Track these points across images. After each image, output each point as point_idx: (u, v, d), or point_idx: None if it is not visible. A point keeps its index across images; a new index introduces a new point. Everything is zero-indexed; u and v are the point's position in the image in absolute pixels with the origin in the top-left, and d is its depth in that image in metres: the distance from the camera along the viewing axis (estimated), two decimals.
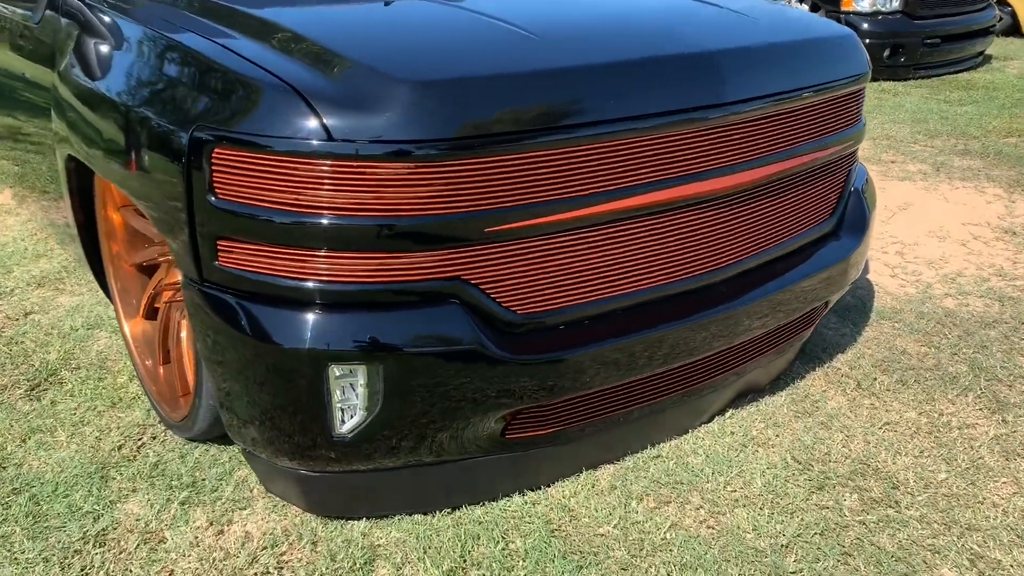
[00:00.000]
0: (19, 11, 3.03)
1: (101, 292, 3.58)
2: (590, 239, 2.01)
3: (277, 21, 2.12)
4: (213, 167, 1.84)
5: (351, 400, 1.91)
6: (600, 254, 2.03)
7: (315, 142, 1.74)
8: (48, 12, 2.77)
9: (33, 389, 2.83)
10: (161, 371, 2.66)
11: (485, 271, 1.91)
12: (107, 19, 2.43)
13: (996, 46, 9.14)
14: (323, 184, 1.77)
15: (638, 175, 2.01)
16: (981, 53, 8.37)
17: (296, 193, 1.78)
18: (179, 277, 2.52)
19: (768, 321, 2.37)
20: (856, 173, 2.77)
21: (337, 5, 2.43)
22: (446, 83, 1.81)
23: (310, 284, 1.84)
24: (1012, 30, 9.72)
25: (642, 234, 2.08)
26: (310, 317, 1.85)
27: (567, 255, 1.99)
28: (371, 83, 1.80)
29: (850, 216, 2.70)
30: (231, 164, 1.82)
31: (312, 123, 1.75)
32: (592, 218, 1.97)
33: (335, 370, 1.87)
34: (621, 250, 2.06)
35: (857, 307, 3.33)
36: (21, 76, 2.96)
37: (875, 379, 2.80)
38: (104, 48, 2.35)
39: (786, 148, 2.33)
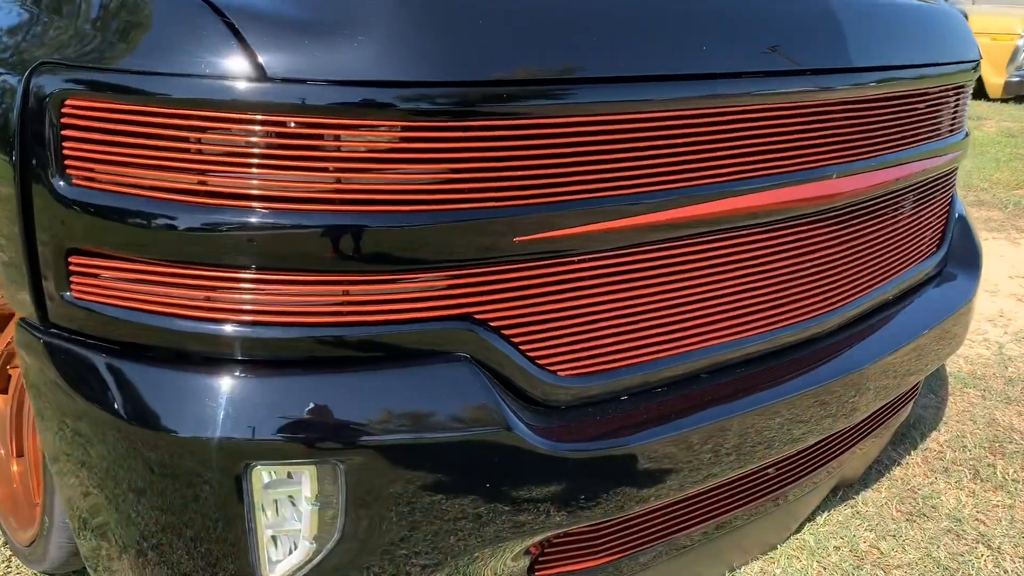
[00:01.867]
0: None
1: None
2: (668, 260, 1.30)
3: None
4: (64, 130, 1.09)
5: (290, 524, 1.14)
6: (678, 285, 1.33)
7: (238, 84, 1.02)
8: None
9: None
10: (15, 467, 1.85)
11: (511, 307, 1.19)
12: None
13: None
14: (249, 155, 1.04)
15: (742, 164, 1.33)
16: None
17: (204, 171, 1.05)
18: None
19: (884, 389, 1.68)
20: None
21: None
22: None
23: (227, 328, 1.09)
24: (978, 93, 9.55)
25: (741, 254, 1.38)
26: (225, 383, 1.09)
27: (632, 285, 1.28)
28: None
29: (959, 248, 2.06)
30: (95, 125, 1.08)
31: (233, 53, 1.03)
32: (678, 226, 1.27)
33: (263, 474, 1.11)
34: (708, 280, 1.36)
35: (931, 373, 2.67)
36: None
37: (992, 466, 2.12)
38: None
39: (910, 145, 1.68)
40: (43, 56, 1.11)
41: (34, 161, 1.12)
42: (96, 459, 1.17)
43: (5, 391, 1.91)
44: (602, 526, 1.38)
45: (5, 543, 1.78)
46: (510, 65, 1.11)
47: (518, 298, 1.19)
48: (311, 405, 1.10)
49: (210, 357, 1.11)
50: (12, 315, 1.85)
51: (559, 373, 1.25)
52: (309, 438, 1.10)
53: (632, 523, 1.42)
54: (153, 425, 1.10)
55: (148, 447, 1.11)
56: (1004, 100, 9.16)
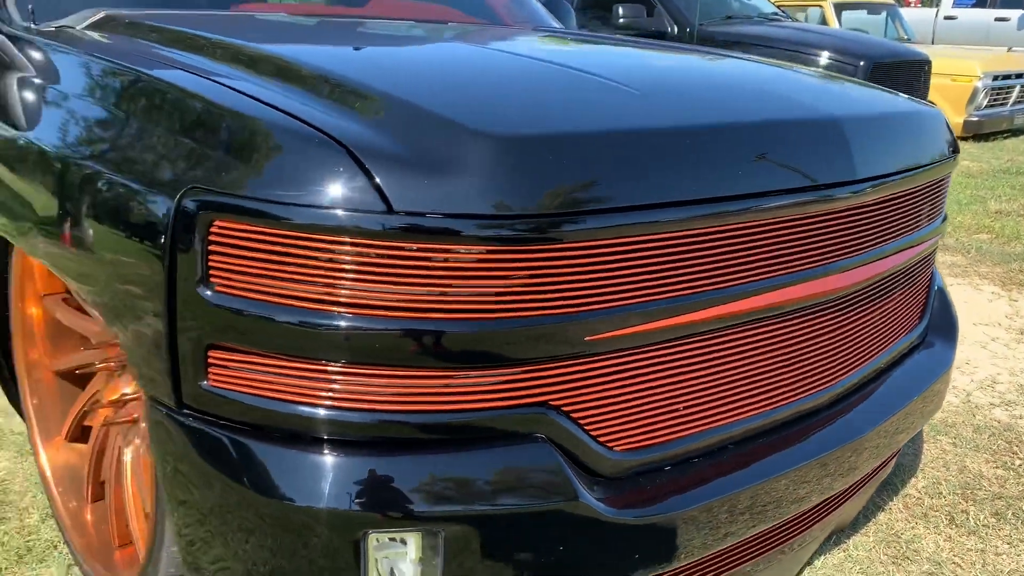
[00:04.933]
0: None
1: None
2: (707, 349, 1.52)
3: (297, 60, 1.60)
4: (211, 247, 1.29)
5: None
6: (714, 369, 1.55)
7: (369, 215, 1.23)
8: None
9: None
10: (89, 515, 2.02)
11: (579, 393, 1.40)
12: (38, 54, 1.87)
13: None
14: (371, 272, 1.24)
15: (768, 266, 1.56)
16: None
17: (331, 284, 1.25)
18: (121, 392, 1.93)
19: (882, 449, 1.92)
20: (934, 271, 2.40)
21: (358, 44, 1.93)
22: (548, 140, 1.33)
23: (347, 415, 1.29)
24: None
25: (766, 339, 1.61)
26: (346, 462, 1.29)
27: (675, 371, 1.50)
28: (445, 138, 1.30)
29: (937, 319, 2.31)
30: (238, 243, 1.27)
31: (365, 189, 1.23)
32: (716, 320, 1.49)
33: (376, 539, 1.31)
34: (735, 364, 1.58)
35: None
36: None
37: (966, 512, 2.37)
38: (35, 90, 1.78)
39: (901, 237, 1.92)
40: (193, 181, 1.31)
41: (182, 269, 1.31)
42: (223, 523, 1.36)
43: (82, 441, 2.08)
44: None
45: None
46: (582, 200, 1.33)
47: (585, 385, 1.40)
48: (419, 482, 1.31)
49: (331, 440, 1.31)
50: (94, 375, 2.03)
51: (615, 448, 1.46)
52: (417, 510, 1.30)
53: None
54: (280, 497, 1.30)
55: (275, 517, 1.30)
56: (963, 138, 9.58)
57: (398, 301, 1.26)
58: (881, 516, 2.33)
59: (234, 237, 1.28)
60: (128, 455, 1.89)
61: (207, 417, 1.36)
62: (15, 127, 1.75)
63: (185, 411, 1.38)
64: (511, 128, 1.32)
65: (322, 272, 1.25)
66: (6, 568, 2.00)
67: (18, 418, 2.68)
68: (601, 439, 1.44)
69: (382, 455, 1.30)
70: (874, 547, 2.19)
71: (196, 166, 1.33)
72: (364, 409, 1.30)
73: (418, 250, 1.24)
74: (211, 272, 1.30)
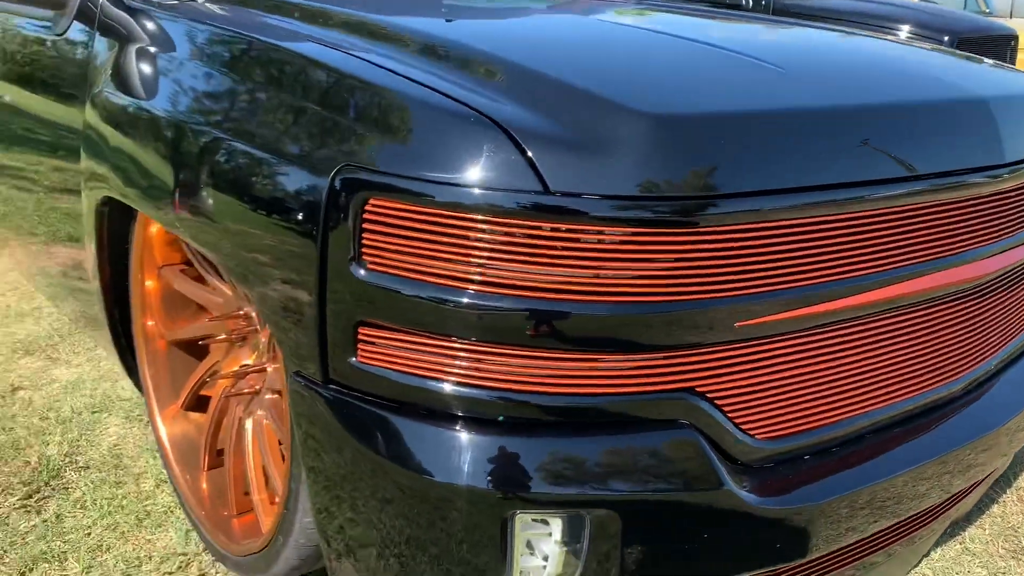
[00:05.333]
0: (25, 23, 2.46)
1: (103, 363, 2.97)
2: (850, 336, 1.49)
3: (446, 37, 1.58)
4: (364, 225, 1.29)
5: (536, 562, 1.35)
6: (856, 356, 1.51)
7: (525, 195, 1.21)
8: (77, 23, 2.22)
9: (31, 496, 2.20)
10: (204, 483, 2.06)
11: (725, 380, 1.38)
12: (175, 26, 1.88)
13: None
14: (524, 253, 1.23)
15: (928, 251, 1.51)
16: None
17: (482, 264, 1.24)
18: (242, 363, 1.95)
19: (1011, 444, 1.86)
20: None
21: (499, 20, 1.91)
22: (707, 119, 1.30)
23: (498, 395, 1.29)
24: None
25: (903, 332, 1.57)
26: (497, 442, 1.29)
27: (820, 358, 1.47)
28: (601, 116, 1.27)
29: None
30: (392, 222, 1.27)
31: (522, 169, 1.22)
32: (863, 307, 1.46)
33: (521, 521, 1.31)
34: (876, 352, 1.54)
35: None
36: (20, 101, 2.38)
37: None
38: (171, 64, 1.79)
39: None
40: (347, 159, 1.30)
41: (334, 246, 1.31)
42: (368, 498, 1.37)
43: (199, 410, 2.12)
44: (779, 571, 1.57)
45: (205, 548, 1.99)
46: (742, 180, 1.30)
47: (731, 372, 1.38)
48: (565, 464, 1.30)
49: (479, 419, 1.31)
50: (208, 346, 2.06)
51: (756, 436, 1.44)
52: (565, 492, 1.29)
53: (800, 567, 1.61)
54: (428, 473, 1.30)
55: (423, 493, 1.31)
56: None
57: (551, 282, 1.25)
58: (995, 508, 2.27)
59: (388, 216, 1.27)
60: (249, 425, 1.92)
61: (354, 392, 1.37)
62: (154, 102, 1.77)
63: (331, 386, 1.39)
64: (669, 107, 1.29)
65: (475, 252, 1.24)
66: (128, 531, 2.05)
67: (124, 383, 2.76)
68: (743, 426, 1.42)
69: (530, 436, 1.30)
70: (991, 540, 2.13)
71: (349, 144, 1.32)
72: (513, 390, 1.29)
73: (574, 231, 1.23)
74: (364, 250, 1.30)
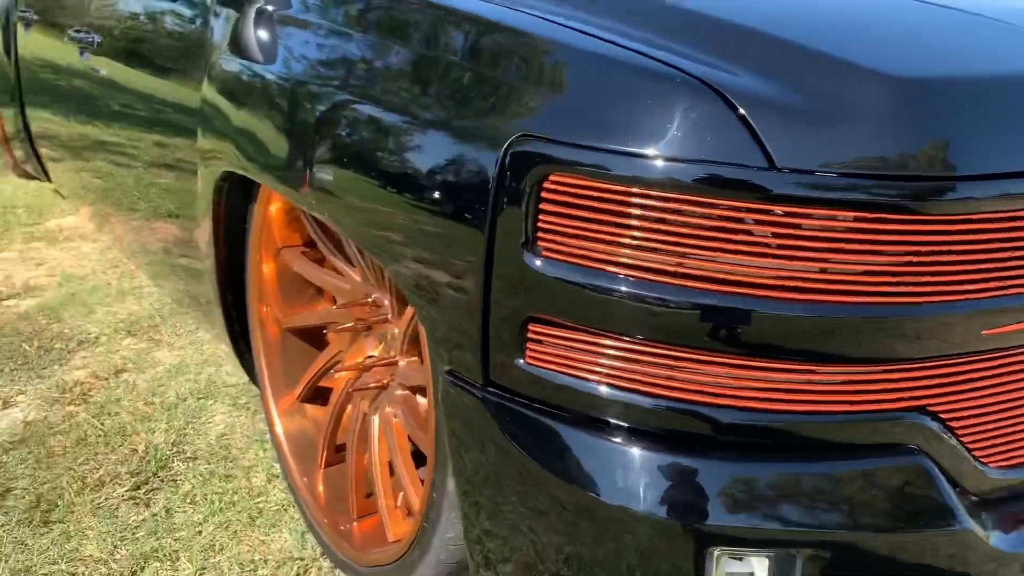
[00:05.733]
0: None
1: (206, 346, 2.87)
2: None
3: None
4: (542, 205, 1.10)
5: None
6: None
7: (746, 171, 1.00)
8: None
9: (139, 488, 2.09)
10: (320, 483, 1.91)
11: (964, 400, 1.15)
12: None
13: None
14: (745, 242, 1.02)
15: None
16: None
17: (686, 255, 1.04)
18: (367, 354, 1.79)
19: None
20: None
21: None
22: (971, 84, 1.07)
23: (692, 409, 1.09)
24: None
25: None
26: (698, 466, 1.09)
27: None
28: (838, 81, 1.05)
29: None
30: (576, 201, 1.08)
31: (742, 142, 1.01)
32: None
33: (720, 558, 1.11)
34: None
35: None
36: (126, 77, 2.26)
37: None
38: (304, 24, 1.63)
39: None
40: (524, 129, 1.11)
41: (504, 229, 1.12)
42: (533, 517, 1.19)
43: (317, 403, 1.98)
44: None
45: (323, 554, 1.85)
46: (987, 160, 1.07)
47: (970, 390, 1.15)
48: (772, 494, 1.09)
49: (674, 437, 1.11)
50: (328, 335, 1.91)
51: (990, 465, 1.21)
52: (769, 527, 1.09)
53: None
54: (607, 497, 1.11)
55: (601, 519, 1.12)
56: None
57: (769, 277, 1.04)
58: None
59: (571, 195, 1.08)
60: (376, 422, 1.76)
61: (519, 398, 1.18)
62: (286, 68, 1.61)
63: (492, 389, 1.20)
64: (924, 70, 1.07)
65: (680, 238, 1.04)
66: (240, 531, 1.93)
67: (227, 367, 2.64)
68: (977, 452, 1.19)
69: (738, 461, 1.09)
70: None
71: (527, 111, 1.13)
72: (715, 404, 1.09)
73: (802, 215, 1.01)
74: (540, 235, 1.11)
